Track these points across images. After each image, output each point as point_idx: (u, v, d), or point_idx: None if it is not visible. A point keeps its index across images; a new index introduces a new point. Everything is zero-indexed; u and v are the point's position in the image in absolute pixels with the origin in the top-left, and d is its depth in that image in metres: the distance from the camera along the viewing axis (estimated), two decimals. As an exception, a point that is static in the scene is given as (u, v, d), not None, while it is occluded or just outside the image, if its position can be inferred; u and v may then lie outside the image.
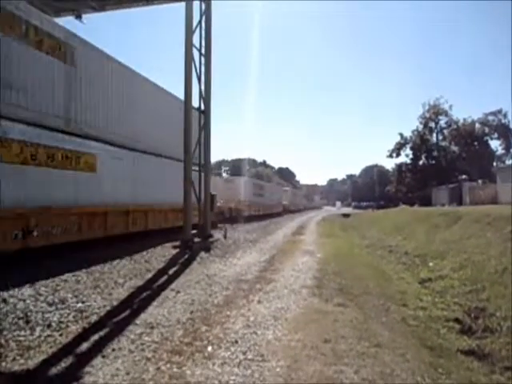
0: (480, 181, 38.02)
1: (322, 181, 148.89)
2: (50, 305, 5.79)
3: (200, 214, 14.06)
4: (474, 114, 75.16)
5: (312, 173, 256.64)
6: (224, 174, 73.81)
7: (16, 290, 6.50)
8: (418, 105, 78.45)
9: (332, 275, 8.60)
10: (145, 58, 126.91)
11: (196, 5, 13.38)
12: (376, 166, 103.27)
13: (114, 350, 4.27)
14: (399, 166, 60.76)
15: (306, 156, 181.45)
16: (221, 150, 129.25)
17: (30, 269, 8.03)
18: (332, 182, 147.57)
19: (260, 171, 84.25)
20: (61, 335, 4.68)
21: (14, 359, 3.95)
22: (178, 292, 6.96)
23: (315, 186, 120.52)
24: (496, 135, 56.35)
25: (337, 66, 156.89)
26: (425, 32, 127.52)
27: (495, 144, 57.35)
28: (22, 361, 3.93)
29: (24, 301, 5.90)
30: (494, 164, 52.70)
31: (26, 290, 6.50)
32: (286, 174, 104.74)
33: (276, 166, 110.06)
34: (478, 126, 56.96)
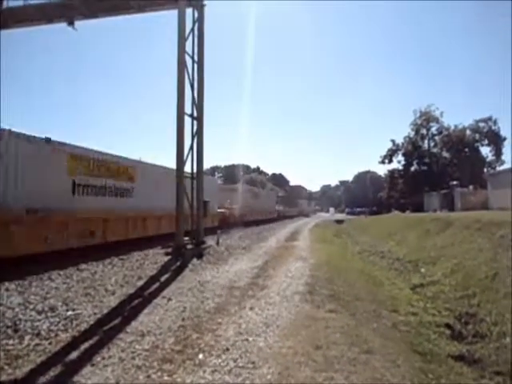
0: (471, 187, 38.36)
1: (315, 187, 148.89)
2: (40, 313, 5.73)
3: (192, 220, 14.02)
4: (465, 120, 76.06)
5: (306, 179, 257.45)
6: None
7: (5, 297, 6.44)
8: (409, 111, 79.23)
9: (324, 281, 8.61)
10: (138, 65, 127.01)
11: (189, 12, 13.49)
12: (369, 172, 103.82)
13: (103, 358, 4.23)
14: (391, 172, 61.16)
15: (299, 162, 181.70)
16: (214, 156, 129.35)
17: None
18: (325, 188, 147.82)
19: (254, 177, 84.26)
20: (50, 344, 4.63)
21: (1, 369, 3.89)
22: (170, 299, 6.92)
23: (299, 187, 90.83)
24: (486, 142, 57.02)
25: (331, 72, 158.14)
26: (417, 39, 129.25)
27: (485, 150, 57.98)
28: (9, 370, 3.87)
29: (13, 309, 5.83)
30: (485, 170, 53.28)
31: (16, 298, 6.43)
32: (279, 180, 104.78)
33: (270, 172, 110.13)
34: (468, 132, 57.58)
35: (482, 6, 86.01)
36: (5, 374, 3.78)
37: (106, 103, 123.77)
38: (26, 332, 4.95)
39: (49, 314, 5.69)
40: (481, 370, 4.36)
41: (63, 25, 14.77)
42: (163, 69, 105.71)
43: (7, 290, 7.06)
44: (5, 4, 14.61)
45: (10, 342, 4.60)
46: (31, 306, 6.02)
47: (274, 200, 50.57)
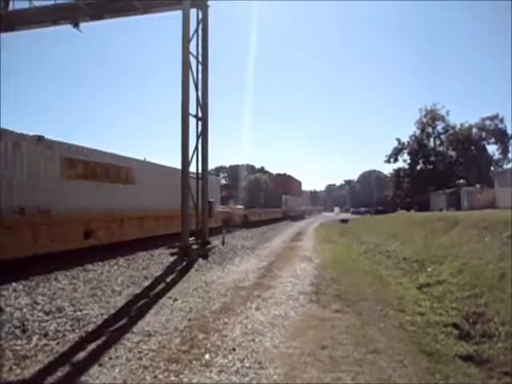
0: (478, 185, 38.10)
1: (320, 187, 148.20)
2: (47, 314, 5.77)
3: (198, 220, 14.05)
4: (471, 118, 75.51)
5: (310, 179, 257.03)
6: (223, 180, 70.66)
7: (13, 298, 6.49)
8: (415, 110, 78.74)
9: (330, 281, 8.60)
10: (142, 65, 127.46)
11: (193, 12, 13.50)
12: (374, 171, 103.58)
13: (110, 358, 4.25)
14: (397, 171, 60.80)
15: (304, 162, 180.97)
16: (219, 156, 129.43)
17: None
18: (330, 187, 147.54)
19: (258, 177, 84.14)
20: (57, 344, 4.67)
21: (10, 369, 3.93)
22: (176, 299, 6.94)
23: (287, 178, 59.09)
24: (493, 140, 56.56)
25: (336, 71, 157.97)
26: (422, 37, 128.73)
27: (492, 149, 57.53)
28: (18, 370, 3.91)
29: (21, 310, 5.88)
30: (492, 168, 52.88)
31: (23, 299, 6.48)
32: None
33: (274, 172, 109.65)
34: (475, 130, 57.16)
35: (488, 3, 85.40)
36: (13, 374, 3.82)
37: (111, 104, 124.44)
38: (34, 332, 4.99)
39: (56, 315, 5.73)
40: (489, 370, 4.31)
41: (68, 26, 14.86)
42: (168, 69, 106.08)
43: (15, 290, 7.12)
44: (10, 6, 14.74)
45: (19, 342, 4.64)
46: (39, 307, 6.06)
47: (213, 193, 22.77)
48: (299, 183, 69.20)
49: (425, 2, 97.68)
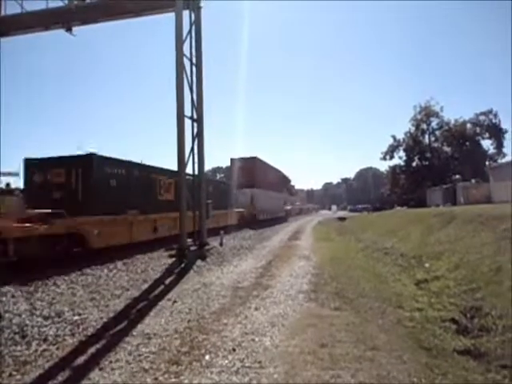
0: (473, 180, 38.22)
1: (317, 185, 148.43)
2: (46, 318, 5.76)
3: (195, 222, 14.05)
4: (466, 114, 75.73)
5: (307, 178, 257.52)
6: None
7: (11, 304, 6.47)
8: (410, 107, 78.78)
9: (328, 279, 8.63)
10: (137, 67, 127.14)
11: (186, 14, 13.50)
12: (370, 168, 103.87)
13: (111, 361, 4.26)
14: (393, 168, 60.94)
15: (300, 161, 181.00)
16: (216, 157, 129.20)
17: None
18: (327, 185, 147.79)
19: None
20: (57, 349, 4.67)
21: (10, 375, 3.93)
22: (175, 301, 6.95)
23: (256, 162, 34.96)
24: (487, 135, 56.78)
25: (330, 70, 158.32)
26: (417, 35, 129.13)
27: (487, 144, 57.72)
28: (18, 376, 3.91)
29: (20, 315, 5.86)
30: (487, 163, 53.04)
31: (22, 305, 6.46)
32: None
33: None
34: (469, 126, 57.34)
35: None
36: (14, 380, 3.82)
37: (108, 108, 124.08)
38: (34, 338, 4.98)
39: (55, 320, 5.73)
40: (487, 363, 4.33)
41: (62, 31, 14.81)
42: (162, 72, 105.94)
43: (13, 296, 7.10)
44: (2, 11, 14.67)
45: (18, 348, 4.64)
46: (38, 312, 6.05)
47: None
48: (278, 172, 48.22)
49: (422, 2, 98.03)
